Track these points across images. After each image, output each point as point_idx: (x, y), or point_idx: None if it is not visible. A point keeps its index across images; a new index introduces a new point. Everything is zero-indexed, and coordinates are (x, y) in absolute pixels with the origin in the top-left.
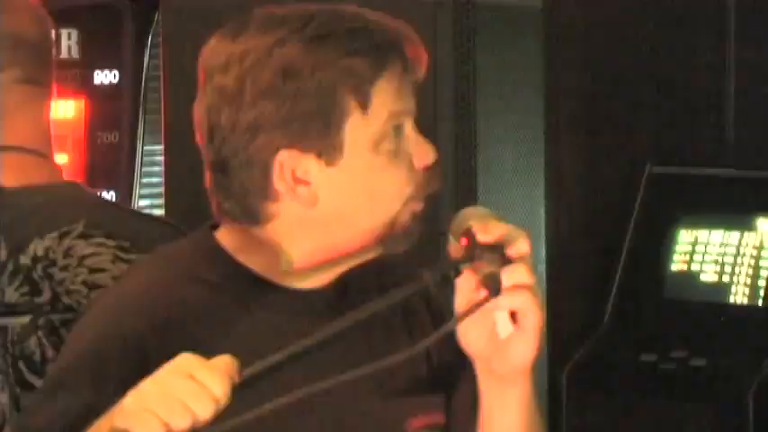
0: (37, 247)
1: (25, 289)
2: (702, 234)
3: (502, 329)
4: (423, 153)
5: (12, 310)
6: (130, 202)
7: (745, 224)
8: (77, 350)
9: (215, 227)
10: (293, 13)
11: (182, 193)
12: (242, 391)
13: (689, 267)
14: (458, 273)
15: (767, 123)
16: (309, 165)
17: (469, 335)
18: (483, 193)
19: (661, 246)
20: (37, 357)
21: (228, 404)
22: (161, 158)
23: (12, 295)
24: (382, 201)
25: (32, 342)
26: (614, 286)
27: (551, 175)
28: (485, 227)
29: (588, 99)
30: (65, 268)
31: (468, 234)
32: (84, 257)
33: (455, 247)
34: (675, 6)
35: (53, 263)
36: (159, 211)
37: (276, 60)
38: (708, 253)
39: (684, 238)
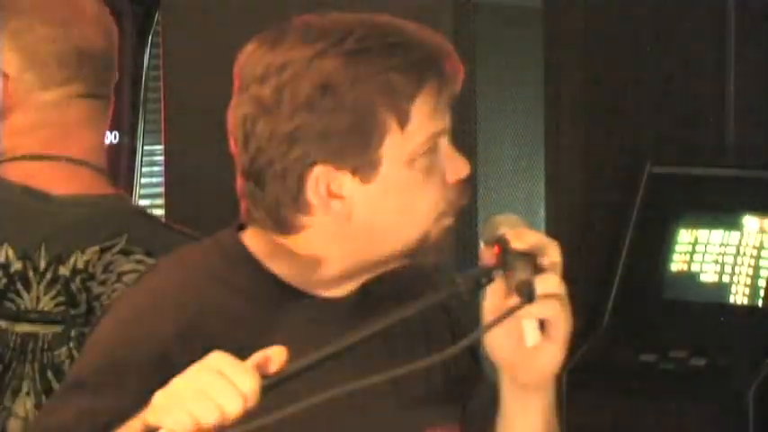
0: (78, 259)
1: (61, 299)
2: (702, 234)
3: (529, 338)
4: (457, 167)
5: (45, 318)
6: None
7: (746, 224)
8: (99, 352)
9: (241, 227)
10: (332, 24)
11: (182, 193)
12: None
13: (689, 267)
14: (490, 280)
15: (767, 123)
16: (344, 180)
17: (497, 342)
18: (483, 193)
19: (661, 245)
20: (66, 367)
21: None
22: (161, 158)
23: (47, 303)
24: (416, 216)
25: (63, 352)
26: (614, 286)
27: (551, 175)
28: (518, 234)
29: (588, 99)
30: (103, 283)
31: (501, 241)
32: (122, 274)
33: (487, 254)
34: (675, 7)
35: (92, 277)
36: (159, 212)
37: (315, 74)
38: (708, 253)
39: (684, 237)
